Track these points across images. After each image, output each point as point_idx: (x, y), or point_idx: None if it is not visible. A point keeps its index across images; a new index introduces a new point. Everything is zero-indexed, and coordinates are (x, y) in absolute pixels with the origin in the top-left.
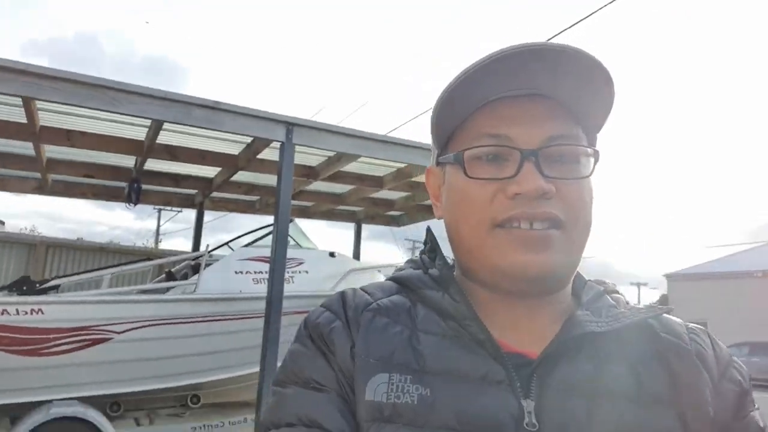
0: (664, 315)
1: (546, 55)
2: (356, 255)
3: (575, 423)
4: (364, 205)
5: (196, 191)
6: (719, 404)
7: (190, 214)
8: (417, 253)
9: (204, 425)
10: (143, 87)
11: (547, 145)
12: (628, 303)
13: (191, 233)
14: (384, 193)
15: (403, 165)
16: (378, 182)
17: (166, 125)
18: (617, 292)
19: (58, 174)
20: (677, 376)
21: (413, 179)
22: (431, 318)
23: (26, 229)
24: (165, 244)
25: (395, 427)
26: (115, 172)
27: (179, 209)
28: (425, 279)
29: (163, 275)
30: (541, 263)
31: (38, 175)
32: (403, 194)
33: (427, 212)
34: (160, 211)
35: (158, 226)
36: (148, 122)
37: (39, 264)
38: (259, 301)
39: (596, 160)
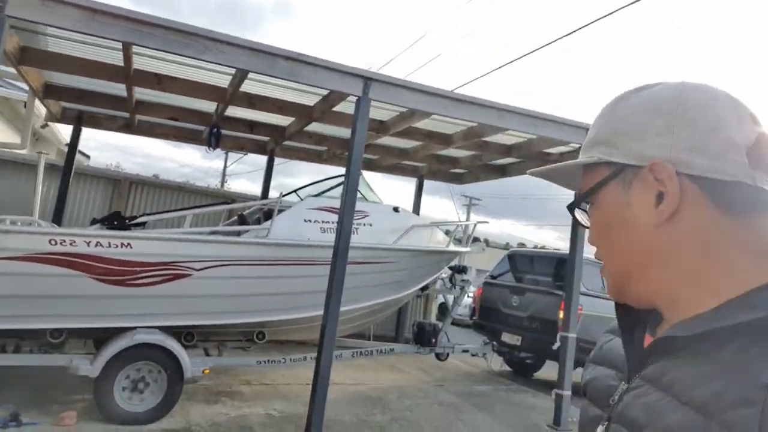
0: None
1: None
2: (416, 209)
3: (637, 406)
4: (428, 161)
5: (269, 138)
6: None
7: (255, 157)
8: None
9: (268, 360)
10: (232, 36)
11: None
12: None
13: (254, 175)
14: (449, 151)
15: (474, 124)
16: (446, 140)
17: (249, 74)
18: None
19: (145, 115)
20: (712, 415)
21: (483, 139)
22: None
23: (111, 165)
24: (231, 184)
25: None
26: (198, 116)
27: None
28: None
29: (236, 218)
30: (608, 289)
31: (126, 115)
32: (470, 153)
33: (491, 172)
34: (227, 152)
35: (225, 167)
36: (232, 71)
37: (122, 199)
38: (325, 250)
39: (588, 195)
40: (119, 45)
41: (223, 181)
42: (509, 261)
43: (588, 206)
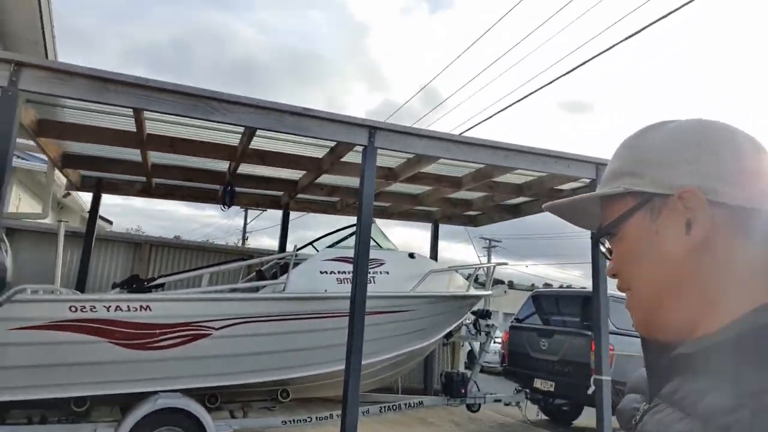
0: None
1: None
2: (433, 255)
3: (648, 425)
4: (441, 206)
5: (283, 193)
6: None
7: (274, 212)
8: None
9: (293, 419)
10: (238, 96)
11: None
12: None
13: (274, 231)
14: (461, 194)
15: (482, 165)
16: (456, 183)
17: (258, 131)
18: None
19: (161, 178)
20: (708, 421)
21: (493, 179)
22: None
23: (132, 228)
24: (251, 242)
25: None
26: (212, 176)
27: (263, 209)
28: None
29: (254, 274)
30: (635, 322)
31: (143, 179)
32: (482, 194)
33: (505, 212)
34: (246, 210)
35: (245, 224)
36: (242, 129)
37: (143, 262)
38: (343, 301)
39: (611, 228)
40: (131, 111)
41: (243, 239)
42: (534, 302)
43: (609, 238)
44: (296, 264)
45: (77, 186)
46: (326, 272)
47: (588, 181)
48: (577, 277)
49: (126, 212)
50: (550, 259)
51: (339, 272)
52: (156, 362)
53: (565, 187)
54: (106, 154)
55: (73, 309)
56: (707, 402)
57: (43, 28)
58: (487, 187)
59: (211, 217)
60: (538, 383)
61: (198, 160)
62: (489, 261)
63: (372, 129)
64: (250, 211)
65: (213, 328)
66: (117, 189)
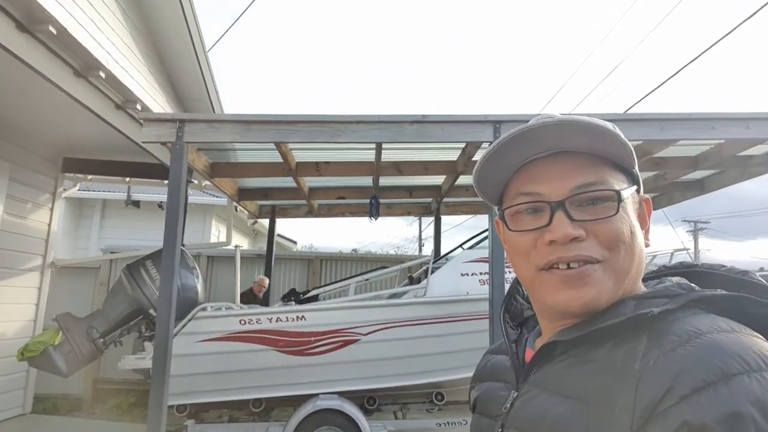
0: (681, 317)
1: (546, 128)
2: None
3: (528, 409)
4: None
5: (431, 199)
6: None
7: (451, 218)
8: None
9: (448, 422)
10: (359, 115)
11: (573, 194)
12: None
13: (449, 234)
14: None
15: (639, 142)
16: None
17: (385, 144)
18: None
19: (319, 199)
20: (601, 394)
21: (655, 155)
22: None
23: (305, 247)
24: (426, 249)
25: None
26: (360, 191)
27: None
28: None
29: (407, 280)
30: (581, 297)
31: (304, 202)
32: (652, 173)
33: (687, 190)
34: (420, 219)
35: (420, 232)
36: (374, 144)
37: (316, 275)
38: (484, 303)
39: (620, 198)
40: (272, 146)
41: (420, 246)
42: None
43: (608, 201)
44: (436, 268)
45: (256, 215)
46: (467, 274)
47: None
48: None
49: (325, 235)
50: None
51: (481, 273)
52: (314, 367)
53: (753, 152)
54: (271, 184)
55: (243, 322)
56: (590, 386)
57: (206, 86)
58: (653, 165)
59: (397, 228)
60: None
61: (346, 178)
62: (696, 246)
63: (496, 123)
64: (425, 219)
65: (361, 334)
66: (287, 213)
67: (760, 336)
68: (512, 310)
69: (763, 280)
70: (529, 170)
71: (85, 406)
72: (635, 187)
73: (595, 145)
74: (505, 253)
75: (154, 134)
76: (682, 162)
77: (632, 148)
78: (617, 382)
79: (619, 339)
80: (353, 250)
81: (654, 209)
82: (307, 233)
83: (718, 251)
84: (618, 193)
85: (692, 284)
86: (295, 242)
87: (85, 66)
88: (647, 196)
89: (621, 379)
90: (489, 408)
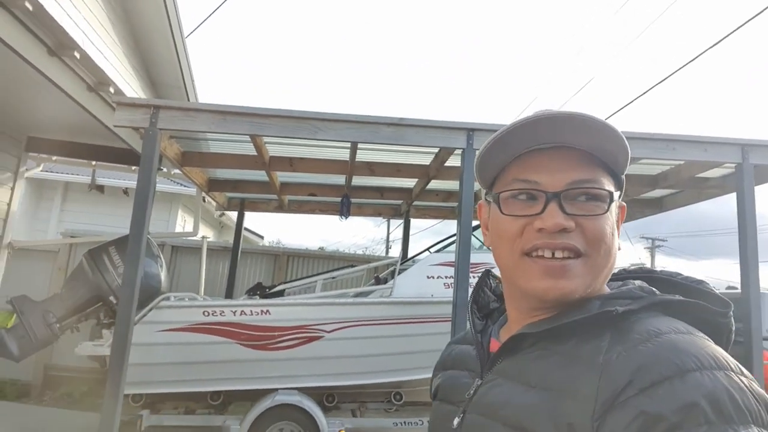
0: (644, 316)
1: (560, 119)
2: None
3: (491, 396)
4: None
5: (402, 201)
6: None
7: (420, 221)
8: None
9: (404, 422)
10: (338, 114)
11: (569, 188)
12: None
13: (421, 238)
14: None
15: None
16: None
17: (360, 144)
18: (639, 295)
19: (290, 195)
20: (565, 384)
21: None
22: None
23: (272, 242)
24: (393, 251)
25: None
26: (332, 189)
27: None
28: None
29: (373, 280)
30: (559, 288)
31: (275, 196)
32: None
33: (646, 207)
34: (389, 220)
35: (387, 234)
36: (348, 144)
37: (282, 271)
38: (448, 305)
39: (611, 200)
40: (248, 138)
41: (387, 248)
42: None
43: (601, 199)
44: (405, 270)
45: (224, 206)
46: (433, 277)
47: (734, 165)
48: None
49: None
50: (731, 257)
51: (446, 276)
52: (275, 362)
53: (710, 174)
54: (242, 177)
55: (206, 313)
56: (555, 376)
57: (182, 73)
58: None
59: (366, 228)
60: None
61: (319, 176)
62: (653, 264)
63: (470, 131)
64: (393, 221)
65: (325, 331)
66: (257, 207)
67: (710, 339)
68: (480, 302)
69: (715, 290)
70: (530, 159)
71: (35, 393)
72: (619, 192)
73: (597, 144)
74: (471, 255)
75: (127, 119)
76: (643, 180)
77: (630, 153)
78: (581, 373)
79: (585, 334)
80: (320, 247)
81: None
82: (274, 229)
83: (673, 269)
84: (611, 194)
85: (653, 288)
86: (262, 237)
87: (60, 44)
88: (623, 203)
89: (585, 371)
90: (451, 395)
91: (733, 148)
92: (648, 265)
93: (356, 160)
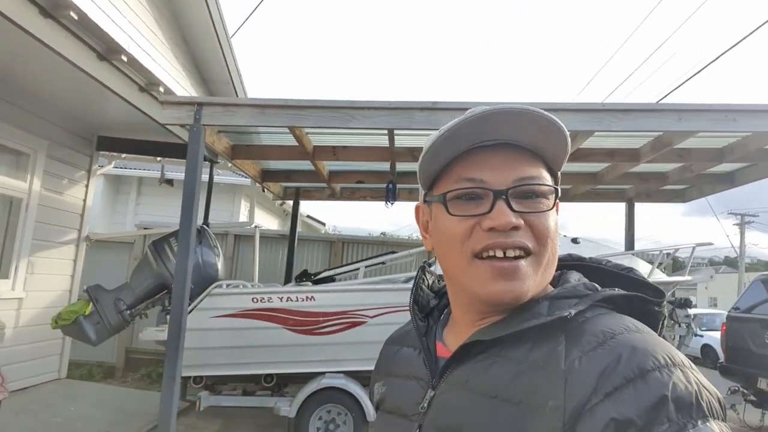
0: (601, 317)
1: (509, 115)
2: (629, 236)
3: (450, 409)
4: (632, 182)
5: None
6: None
7: None
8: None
9: None
10: (371, 101)
11: (515, 186)
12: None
13: None
14: (652, 166)
15: (659, 132)
16: (633, 155)
17: (398, 131)
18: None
19: (340, 183)
20: (530, 394)
21: (679, 146)
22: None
23: (329, 229)
24: None
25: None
26: (378, 176)
27: None
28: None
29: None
30: (514, 291)
31: (325, 185)
32: (677, 165)
33: (717, 182)
34: None
35: None
36: (386, 131)
37: (337, 256)
38: None
39: (557, 196)
40: (286, 129)
41: None
42: (765, 288)
43: (544, 195)
44: None
45: (280, 196)
46: None
47: None
48: None
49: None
50: None
51: None
52: (321, 346)
53: None
54: (293, 167)
55: (255, 300)
56: (515, 385)
57: (230, 72)
58: (676, 156)
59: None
60: (763, 384)
61: (364, 163)
62: (742, 241)
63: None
64: None
65: (368, 316)
66: (311, 196)
67: (653, 331)
68: (420, 302)
69: (644, 277)
70: (474, 157)
71: (118, 374)
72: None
73: (541, 142)
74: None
75: (174, 116)
76: (707, 154)
77: (569, 150)
78: (545, 382)
79: (538, 338)
80: (382, 233)
81: (684, 201)
82: (336, 215)
83: (767, 245)
84: (556, 190)
85: (594, 283)
86: (324, 224)
87: (108, 49)
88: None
89: (549, 380)
90: (401, 406)
91: None
92: (722, 242)
93: (397, 145)
